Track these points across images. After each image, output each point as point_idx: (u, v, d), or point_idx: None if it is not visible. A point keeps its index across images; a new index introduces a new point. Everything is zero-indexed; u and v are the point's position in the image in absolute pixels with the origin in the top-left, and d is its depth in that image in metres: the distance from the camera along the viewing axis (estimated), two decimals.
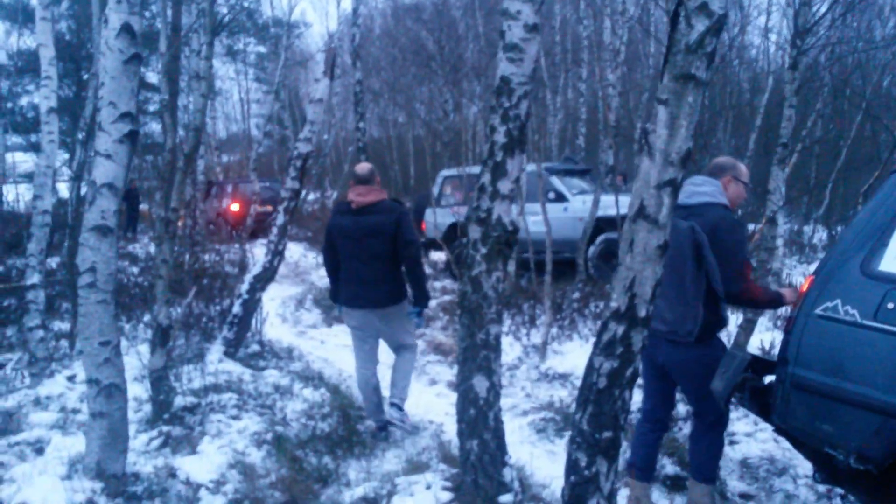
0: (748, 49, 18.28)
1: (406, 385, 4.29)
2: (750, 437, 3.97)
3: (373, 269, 4.05)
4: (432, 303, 7.35)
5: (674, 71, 1.97)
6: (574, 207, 9.29)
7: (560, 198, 9.45)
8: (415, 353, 4.44)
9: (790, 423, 2.73)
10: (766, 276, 5.58)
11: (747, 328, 4.66)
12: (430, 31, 16.28)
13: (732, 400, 2.97)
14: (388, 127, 24.15)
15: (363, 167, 4.20)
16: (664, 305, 2.93)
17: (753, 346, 5.01)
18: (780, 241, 5.85)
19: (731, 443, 3.90)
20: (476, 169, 10.80)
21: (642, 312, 2.11)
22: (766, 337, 5.45)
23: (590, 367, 2.25)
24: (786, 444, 3.42)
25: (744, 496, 3.43)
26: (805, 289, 2.74)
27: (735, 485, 3.51)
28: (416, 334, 4.51)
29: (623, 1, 11.51)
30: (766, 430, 3.90)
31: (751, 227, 9.93)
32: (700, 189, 2.95)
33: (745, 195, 3.12)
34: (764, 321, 5.87)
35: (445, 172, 11.48)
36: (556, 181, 9.65)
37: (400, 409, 4.20)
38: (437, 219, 10.72)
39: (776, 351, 4.82)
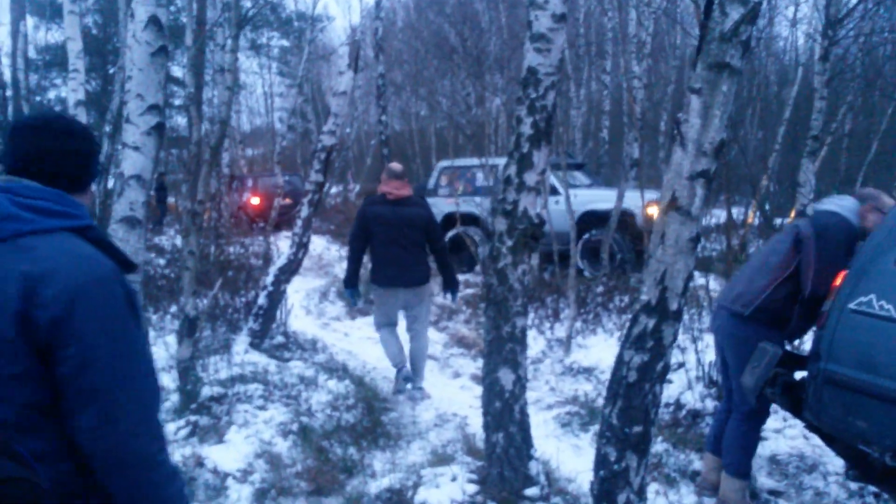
0: (776, 41, 17.95)
1: (424, 366, 4.94)
2: (779, 433, 3.91)
3: (411, 254, 4.66)
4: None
5: (707, 59, 1.94)
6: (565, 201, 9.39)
7: (553, 191, 9.51)
8: (427, 332, 5.02)
9: (822, 420, 2.68)
10: None
11: None
12: (453, 23, 16.23)
13: (763, 395, 2.93)
14: (410, 120, 24.12)
15: (398, 166, 4.84)
16: (743, 278, 3.09)
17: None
18: None
19: (760, 439, 3.84)
20: (473, 161, 10.80)
21: (674, 306, 2.09)
22: None
23: (619, 361, 2.23)
24: (816, 440, 3.36)
25: (773, 493, 3.38)
26: (838, 283, 2.69)
27: (764, 481, 3.46)
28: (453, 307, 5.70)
29: None
30: (795, 427, 3.84)
31: (779, 220, 9.79)
32: (838, 202, 3.06)
33: None
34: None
35: (443, 164, 11.50)
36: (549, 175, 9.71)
37: (421, 388, 4.84)
38: (434, 209, 10.75)
39: (807, 346, 4.76)
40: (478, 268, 9.53)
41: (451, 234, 9.62)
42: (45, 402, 1.24)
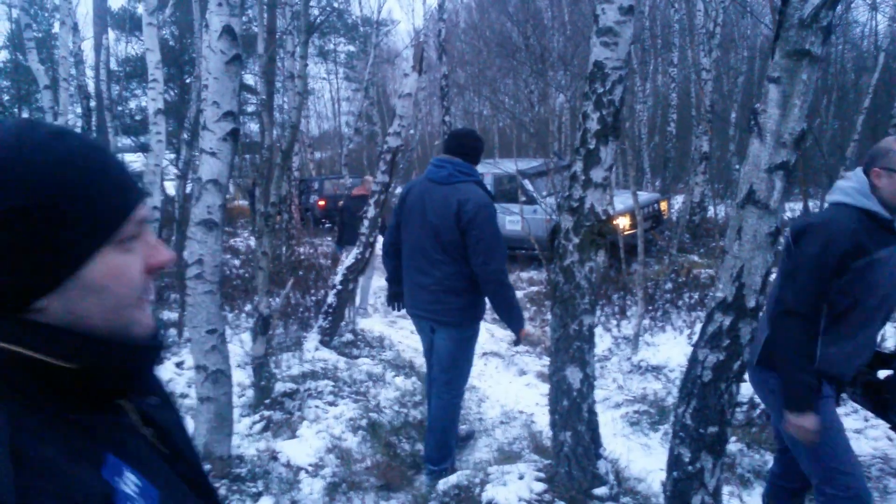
0: (853, 26, 17.06)
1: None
2: (860, 433, 3.73)
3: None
4: (519, 293, 7.43)
5: (786, 47, 1.87)
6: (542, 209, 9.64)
7: (531, 200, 9.86)
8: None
9: None
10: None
11: None
12: (516, 22, 16.15)
13: (844, 395, 2.80)
14: (473, 120, 24.17)
15: None
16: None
17: None
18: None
19: None
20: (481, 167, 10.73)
21: (751, 303, 2.02)
22: None
23: (693, 360, 2.17)
24: None
25: None
26: None
27: None
28: None
29: None
30: (878, 427, 3.66)
31: None
32: (843, 184, 2.23)
33: None
34: None
35: None
36: (526, 184, 9.98)
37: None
38: None
39: (890, 343, 4.51)
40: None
41: None
42: (459, 249, 3.21)
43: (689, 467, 2.16)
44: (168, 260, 0.69)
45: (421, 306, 3.38)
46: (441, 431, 3.49)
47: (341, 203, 8.90)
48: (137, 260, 0.66)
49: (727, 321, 2.05)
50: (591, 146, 2.76)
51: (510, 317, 3.31)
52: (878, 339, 4.74)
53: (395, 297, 3.77)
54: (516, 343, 3.78)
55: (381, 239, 5.09)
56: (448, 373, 3.42)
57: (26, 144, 0.60)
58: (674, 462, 2.23)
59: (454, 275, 3.22)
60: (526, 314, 7.47)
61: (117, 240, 0.63)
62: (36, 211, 0.58)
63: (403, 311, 3.75)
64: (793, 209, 10.50)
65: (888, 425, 2.81)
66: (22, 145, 0.59)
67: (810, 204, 8.55)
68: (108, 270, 0.63)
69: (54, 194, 0.59)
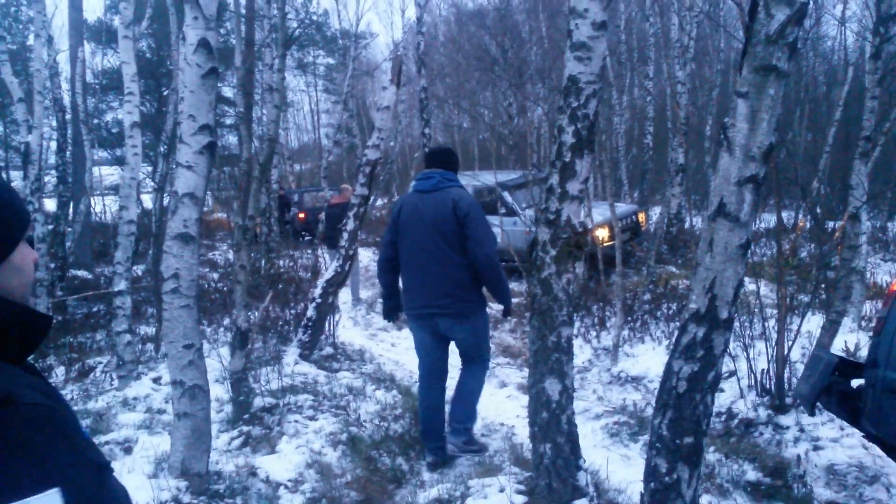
0: (823, 40, 17.47)
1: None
2: (836, 442, 3.78)
3: None
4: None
5: (753, 62, 1.91)
6: (522, 221, 9.85)
7: (511, 212, 10.02)
8: None
9: (883, 429, 2.59)
10: (849, 276, 5.32)
11: (831, 329, 4.44)
12: (494, 35, 16.28)
13: (818, 405, 2.84)
14: (453, 132, 24.29)
15: None
16: None
17: (837, 347, 4.77)
18: (863, 239, 5.55)
19: (816, 448, 3.73)
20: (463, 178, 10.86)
21: (724, 314, 2.05)
22: (850, 338, 5.18)
23: (668, 371, 2.19)
24: (877, 450, 3.24)
25: None
26: (895, 289, 2.60)
27: (821, 492, 3.34)
28: None
29: None
30: (853, 436, 3.71)
31: (832, 224, 9.51)
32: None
33: None
34: (848, 322, 5.58)
35: None
36: (506, 196, 10.11)
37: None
38: None
39: (863, 353, 4.59)
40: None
41: None
42: (460, 241, 3.57)
43: (666, 478, 2.18)
44: (37, 258, 1.01)
45: (430, 304, 3.66)
46: (469, 396, 3.88)
47: (322, 214, 9.24)
48: (32, 252, 0.99)
49: (700, 332, 2.08)
50: (567, 159, 2.79)
51: (502, 294, 3.76)
52: (852, 348, 4.84)
53: (395, 310, 4.07)
54: (505, 315, 4.14)
55: (360, 251, 5.12)
56: (477, 354, 3.87)
57: None
58: (651, 473, 2.25)
59: (460, 268, 3.60)
60: (506, 325, 7.52)
61: (24, 238, 0.96)
62: None
63: (386, 324, 3.89)
64: (767, 220, 10.67)
65: (861, 434, 2.86)
66: None
67: (784, 215, 8.71)
68: (23, 257, 0.95)
69: None
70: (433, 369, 3.88)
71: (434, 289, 3.63)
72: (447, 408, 3.97)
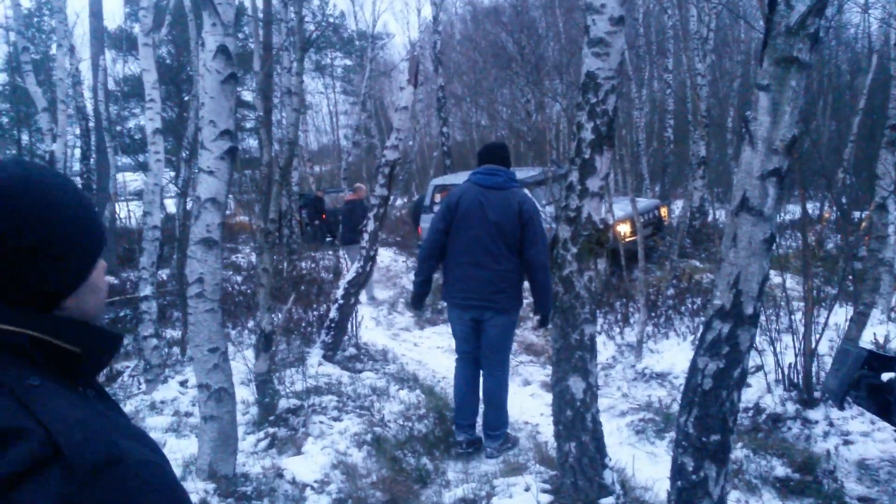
0: (846, 28, 17.14)
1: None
2: (867, 436, 3.71)
3: None
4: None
5: (774, 54, 1.88)
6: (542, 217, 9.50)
7: None
8: None
9: None
10: (877, 267, 5.21)
11: (859, 321, 4.36)
12: (510, 32, 16.23)
13: (848, 399, 2.79)
14: (471, 130, 24.26)
15: None
16: None
17: (866, 339, 4.68)
18: (891, 229, 5.43)
19: (846, 443, 3.66)
20: (461, 178, 10.73)
21: (749, 310, 2.02)
22: (879, 330, 5.07)
23: (693, 368, 2.17)
24: None
25: (863, 500, 3.21)
26: None
27: (853, 487, 3.29)
28: None
29: None
30: (885, 430, 3.64)
31: (858, 214, 9.36)
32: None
33: None
34: (877, 314, 5.47)
35: (436, 181, 11.49)
36: (526, 193, 9.72)
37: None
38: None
39: (892, 345, 4.50)
40: None
41: None
42: (517, 242, 3.76)
43: (693, 476, 2.16)
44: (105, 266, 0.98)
45: (481, 297, 3.82)
46: (499, 401, 4.00)
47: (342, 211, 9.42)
48: (102, 262, 0.95)
49: (725, 329, 2.05)
50: (587, 156, 2.78)
51: (547, 299, 3.74)
52: (881, 340, 4.75)
53: (423, 297, 4.24)
54: (541, 324, 4.17)
55: (381, 252, 5.13)
56: (500, 353, 3.98)
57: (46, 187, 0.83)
58: (677, 471, 2.22)
59: (512, 268, 3.79)
60: (529, 324, 7.49)
61: (101, 255, 0.92)
62: (63, 239, 0.83)
63: (408, 324, 3.93)
64: (792, 212, 10.51)
65: (893, 427, 2.81)
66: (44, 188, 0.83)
67: (809, 206, 8.57)
68: (98, 275, 0.91)
69: (71, 230, 0.84)
70: (469, 357, 4.07)
71: (488, 282, 3.79)
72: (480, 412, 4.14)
